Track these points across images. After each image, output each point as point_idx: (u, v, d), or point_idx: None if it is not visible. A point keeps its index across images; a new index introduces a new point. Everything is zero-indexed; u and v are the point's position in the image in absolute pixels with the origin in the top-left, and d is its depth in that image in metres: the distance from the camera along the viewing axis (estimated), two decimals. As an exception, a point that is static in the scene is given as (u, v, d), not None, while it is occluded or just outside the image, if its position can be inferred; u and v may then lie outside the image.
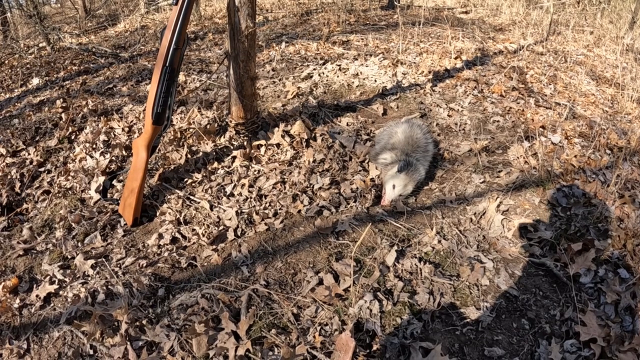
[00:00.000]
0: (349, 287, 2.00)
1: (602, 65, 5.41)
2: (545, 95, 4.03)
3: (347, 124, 3.42)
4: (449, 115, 3.58)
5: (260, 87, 4.07)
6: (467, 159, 3.01)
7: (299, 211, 2.51)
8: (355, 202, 2.60)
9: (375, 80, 4.16)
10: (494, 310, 1.97)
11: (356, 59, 4.71)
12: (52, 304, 2.10)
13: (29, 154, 3.26)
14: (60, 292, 2.14)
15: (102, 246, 2.39)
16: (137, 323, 1.91)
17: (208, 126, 3.11)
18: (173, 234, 2.40)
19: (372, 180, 2.80)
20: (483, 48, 5.29)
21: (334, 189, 2.69)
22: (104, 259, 2.29)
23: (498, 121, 3.44)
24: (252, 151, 2.95)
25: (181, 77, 4.34)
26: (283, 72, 4.47)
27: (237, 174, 2.78)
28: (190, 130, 3.14)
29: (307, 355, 1.75)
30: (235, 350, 1.77)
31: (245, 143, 3.00)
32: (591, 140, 3.17)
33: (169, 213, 2.53)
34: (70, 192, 2.80)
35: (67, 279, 2.20)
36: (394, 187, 2.56)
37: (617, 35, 6.91)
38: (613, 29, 7.38)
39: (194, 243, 2.36)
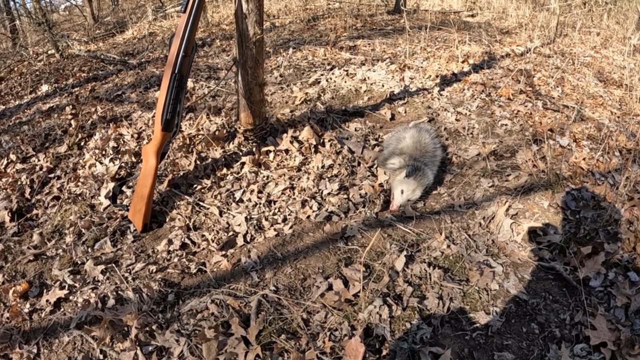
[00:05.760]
0: (359, 292, 2.00)
1: (610, 66, 5.39)
2: (553, 98, 4.02)
3: (355, 129, 3.43)
4: (456, 120, 3.57)
5: (269, 93, 4.08)
6: (476, 163, 3.01)
7: (308, 217, 2.52)
8: (364, 207, 2.61)
9: (383, 85, 4.17)
10: (503, 314, 1.97)
11: (363, 64, 4.72)
12: (62, 309, 2.11)
13: (38, 160, 3.29)
14: (71, 297, 2.15)
15: (112, 252, 2.40)
16: (147, 328, 1.92)
17: (217, 132, 3.12)
18: (182, 239, 2.41)
19: (380, 185, 2.80)
20: (490, 51, 5.28)
21: (342, 194, 2.69)
22: (113, 265, 2.30)
23: (506, 125, 3.44)
24: (261, 157, 2.96)
25: (189, 84, 4.36)
26: (291, 78, 4.48)
27: (246, 179, 2.79)
28: (199, 136, 3.16)
29: (317, 361, 1.75)
30: (245, 356, 1.77)
31: (254, 149, 3.01)
32: (600, 142, 3.16)
33: (179, 219, 2.54)
34: (80, 198, 2.82)
35: (77, 284, 2.21)
36: (402, 192, 2.56)
37: (624, 36, 6.89)
38: (620, 30, 7.36)
39: (203, 249, 2.37)
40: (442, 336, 1.88)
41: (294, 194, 2.70)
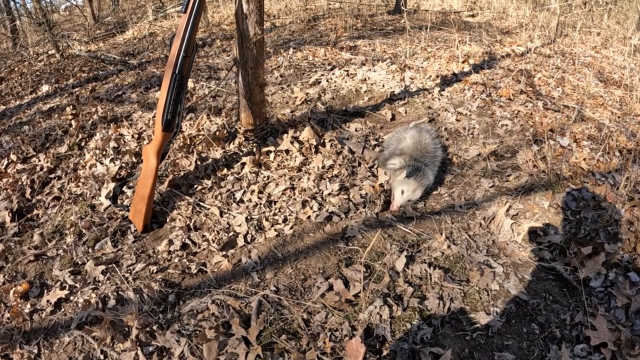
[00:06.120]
0: (359, 292, 2.00)
1: (610, 66, 5.39)
2: (554, 98, 4.02)
3: (356, 130, 3.43)
4: (457, 120, 3.57)
5: (269, 94, 4.08)
6: (476, 164, 3.01)
7: (309, 217, 2.52)
8: (364, 207, 2.61)
9: (383, 86, 4.17)
10: (503, 315, 1.97)
11: (364, 64, 4.72)
12: (62, 309, 2.11)
13: (39, 161, 3.29)
14: (71, 298, 2.15)
15: (112, 252, 2.40)
16: (148, 328, 1.92)
17: (217, 133, 3.12)
18: (183, 240, 2.41)
19: (381, 185, 2.80)
20: (490, 51, 5.28)
21: (343, 194, 2.69)
22: (114, 265, 2.30)
23: (506, 125, 3.44)
24: (262, 157, 2.96)
25: (190, 84, 4.36)
26: (291, 78, 4.49)
27: (246, 180, 2.79)
28: (200, 136, 3.16)
29: (317, 361, 1.75)
30: (246, 356, 1.77)
31: (254, 149, 3.01)
32: (600, 142, 3.16)
33: (179, 219, 2.54)
34: (80, 198, 2.82)
35: (77, 285, 2.21)
36: (402, 192, 2.56)
37: (624, 36, 6.89)
38: (620, 30, 7.37)
39: (204, 249, 2.37)
40: (443, 336, 1.88)
41: (294, 194, 2.70)
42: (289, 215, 2.55)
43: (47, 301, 2.14)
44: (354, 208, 2.59)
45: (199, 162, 2.92)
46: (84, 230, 2.55)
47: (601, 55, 5.85)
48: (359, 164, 3.02)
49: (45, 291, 2.22)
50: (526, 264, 2.23)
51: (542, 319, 1.95)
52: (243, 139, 3.07)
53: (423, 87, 4.15)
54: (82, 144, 3.43)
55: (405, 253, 2.22)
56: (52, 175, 3.12)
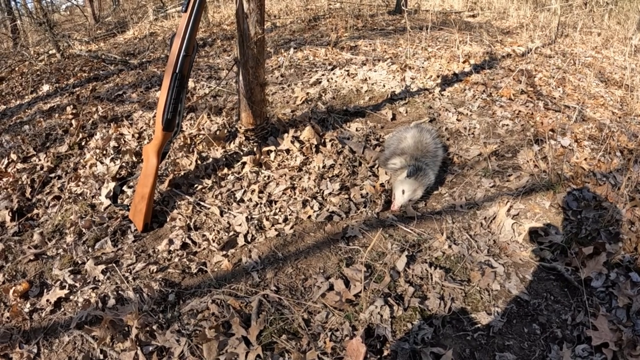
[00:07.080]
0: (360, 292, 2.00)
1: (611, 67, 5.38)
2: (554, 98, 4.01)
3: (357, 130, 3.42)
4: (458, 120, 3.57)
5: (269, 93, 4.08)
6: (477, 163, 3.00)
7: (309, 217, 2.51)
8: (365, 207, 2.60)
9: (384, 85, 4.16)
10: (505, 315, 1.96)
11: (364, 64, 4.72)
12: (62, 309, 2.10)
13: (39, 160, 3.28)
14: (71, 297, 2.15)
15: (112, 251, 2.40)
16: (148, 328, 1.92)
17: (218, 132, 3.12)
18: (183, 239, 2.40)
19: (381, 185, 2.80)
20: (491, 51, 5.28)
21: (343, 194, 2.69)
22: (114, 264, 2.30)
23: (507, 125, 3.43)
24: (262, 157, 2.96)
25: (190, 84, 4.35)
26: (292, 78, 4.48)
27: (247, 179, 2.79)
28: (200, 136, 3.15)
29: (318, 361, 1.75)
30: (246, 356, 1.77)
31: (254, 149, 3.01)
32: (601, 142, 3.15)
33: (179, 219, 2.53)
34: (80, 197, 2.81)
35: (77, 284, 2.21)
36: (403, 192, 2.55)
37: (625, 36, 6.89)
38: (621, 30, 7.37)
39: (204, 249, 2.36)
40: (444, 336, 1.87)
41: (295, 193, 2.69)
42: (290, 214, 2.55)
43: (47, 300, 2.13)
44: (354, 208, 2.59)
45: (199, 162, 2.92)
46: (84, 230, 2.54)
47: (602, 56, 5.84)
48: (360, 164, 3.01)
49: (45, 290, 2.21)
50: (527, 264, 2.23)
51: (544, 319, 1.95)
52: (243, 138, 3.07)
53: (424, 87, 4.15)
54: (83, 143, 3.43)
55: (406, 253, 2.22)
56: (53, 175, 3.11)
